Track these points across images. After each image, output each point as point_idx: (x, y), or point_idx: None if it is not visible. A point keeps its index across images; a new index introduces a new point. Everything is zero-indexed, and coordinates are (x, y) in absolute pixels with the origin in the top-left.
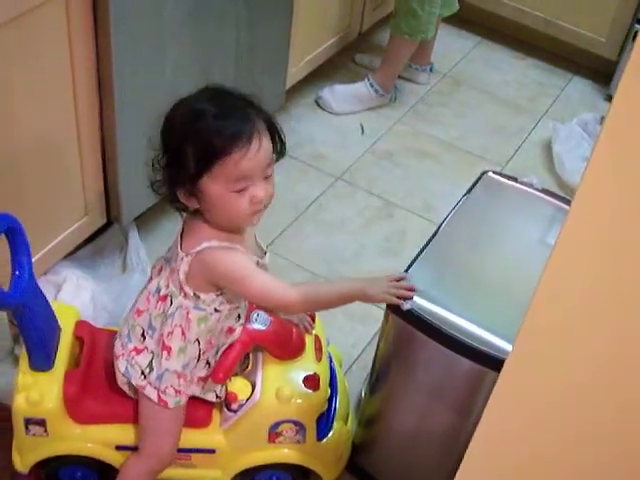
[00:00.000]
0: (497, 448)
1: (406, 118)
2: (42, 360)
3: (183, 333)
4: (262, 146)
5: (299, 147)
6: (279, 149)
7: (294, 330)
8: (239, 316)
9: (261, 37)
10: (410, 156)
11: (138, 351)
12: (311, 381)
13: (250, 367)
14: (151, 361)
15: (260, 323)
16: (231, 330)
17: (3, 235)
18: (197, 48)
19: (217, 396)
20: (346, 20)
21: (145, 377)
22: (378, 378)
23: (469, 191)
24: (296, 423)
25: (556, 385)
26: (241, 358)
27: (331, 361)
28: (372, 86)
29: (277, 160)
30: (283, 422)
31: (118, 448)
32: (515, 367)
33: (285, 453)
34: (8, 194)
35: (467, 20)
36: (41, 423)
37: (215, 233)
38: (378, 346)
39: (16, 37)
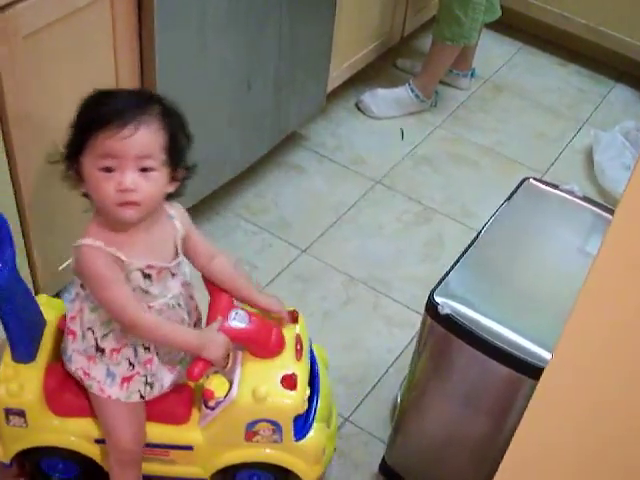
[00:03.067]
0: (534, 458)
1: (446, 123)
2: (24, 352)
3: (80, 319)
4: (138, 135)
5: (339, 151)
6: (175, 159)
7: (274, 329)
8: None
9: (303, 40)
10: (449, 161)
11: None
12: (289, 381)
13: (229, 365)
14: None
15: (239, 321)
16: None
17: None
18: (239, 50)
19: (141, 396)
20: (388, 24)
21: (65, 357)
22: (414, 382)
23: (509, 198)
24: (272, 422)
25: (596, 395)
26: None
27: (314, 362)
28: (413, 91)
29: (179, 176)
30: (259, 421)
31: (97, 441)
32: (555, 376)
33: (262, 452)
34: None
35: (509, 26)
36: (21, 414)
37: (96, 230)
38: (415, 351)
39: (63, 36)
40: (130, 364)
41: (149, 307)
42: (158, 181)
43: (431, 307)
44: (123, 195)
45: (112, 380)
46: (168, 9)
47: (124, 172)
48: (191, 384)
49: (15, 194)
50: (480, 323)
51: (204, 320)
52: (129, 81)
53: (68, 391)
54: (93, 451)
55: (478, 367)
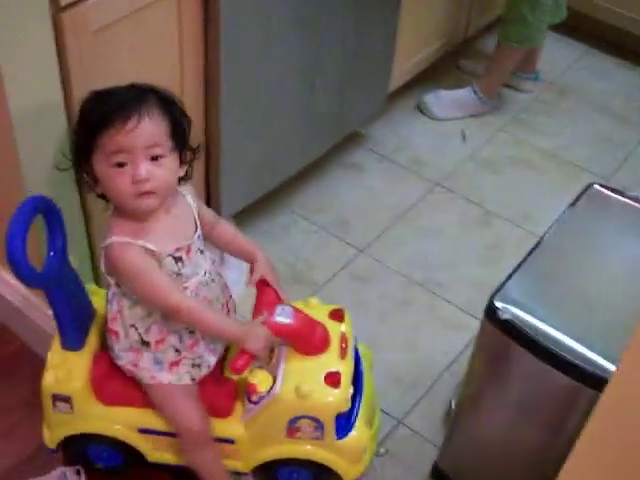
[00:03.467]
0: (595, 474)
1: (509, 126)
2: (72, 340)
3: (121, 318)
4: (142, 125)
5: (399, 151)
6: (180, 142)
7: (319, 326)
8: None
9: (367, 40)
10: (511, 165)
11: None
12: (332, 378)
13: (273, 360)
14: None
15: (284, 316)
16: None
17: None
18: (304, 49)
19: (192, 378)
20: (451, 25)
21: (112, 354)
22: (470, 386)
23: (573, 203)
24: (314, 420)
25: None
26: None
27: (359, 361)
28: (476, 93)
29: (187, 158)
30: (302, 418)
31: (141, 431)
32: (620, 386)
33: (303, 449)
34: None
35: (575, 28)
36: (67, 400)
37: (120, 226)
38: (472, 355)
39: (130, 32)
40: (176, 350)
41: (185, 288)
42: (170, 166)
43: (491, 312)
44: (139, 186)
45: (160, 367)
46: (234, 7)
47: (137, 164)
48: (235, 378)
49: (78, 184)
50: (540, 329)
51: (247, 310)
52: (193, 78)
53: (114, 380)
54: (137, 440)
55: (536, 374)
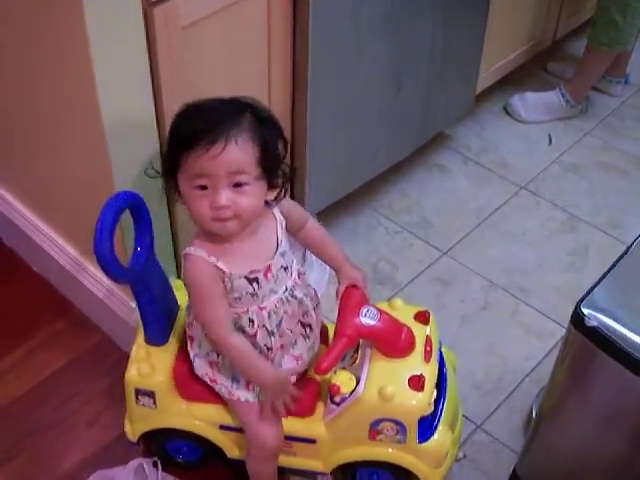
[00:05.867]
0: None
1: (596, 130)
2: (156, 335)
3: (197, 325)
4: (228, 152)
5: (484, 154)
6: (270, 168)
7: (404, 328)
8: (252, 321)
9: (455, 41)
10: (598, 170)
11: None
12: (416, 382)
13: (357, 362)
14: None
15: (369, 318)
16: (252, 336)
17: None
18: (391, 49)
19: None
20: (540, 27)
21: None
22: (553, 393)
23: None
24: (397, 422)
25: None
26: (346, 352)
27: (443, 364)
28: (563, 96)
29: (278, 183)
30: (384, 420)
31: (222, 428)
32: None
33: (385, 451)
34: None
35: None
36: (150, 395)
37: (200, 240)
38: (557, 361)
39: (219, 28)
40: None
41: (260, 309)
42: (253, 194)
43: (577, 319)
44: (218, 212)
45: (238, 383)
46: (323, 5)
47: (217, 190)
48: (318, 378)
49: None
50: (628, 338)
51: (326, 310)
52: (281, 76)
53: (196, 377)
54: (218, 437)
55: (622, 383)
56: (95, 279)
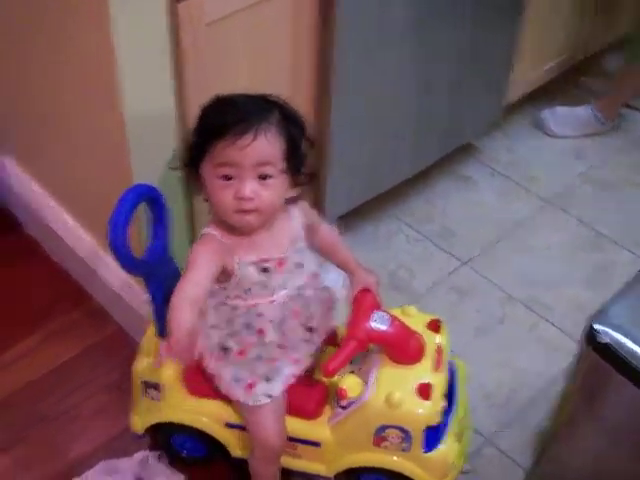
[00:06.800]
0: None
1: (627, 148)
2: (165, 328)
3: (205, 317)
4: (256, 143)
5: (512, 166)
6: (294, 165)
7: (414, 335)
8: (261, 315)
9: (484, 50)
10: (628, 188)
11: None
12: (424, 390)
13: (366, 367)
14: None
15: (380, 323)
16: (260, 331)
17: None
18: (417, 54)
19: (269, 396)
20: (573, 41)
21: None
22: (563, 411)
23: None
24: (403, 430)
25: None
26: (355, 356)
27: (453, 375)
28: (595, 112)
29: (300, 182)
30: (389, 427)
31: (228, 425)
32: None
33: (389, 459)
34: None
35: None
36: (157, 388)
37: (215, 225)
38: (568, 378)
39: (244, 26)
40: (252, 367)
41: (271, 302)
42: (277, 188)
43: (589, 334)
44: (242, 203)
45: (237, 384)
46: (350, 7)
47: (243, 181)
48: (325, 381)
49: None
50: None
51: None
52: (305, 77)
53: (204, 372)
54: (222, 434)
55: (633, 401)
56: (111, 270)
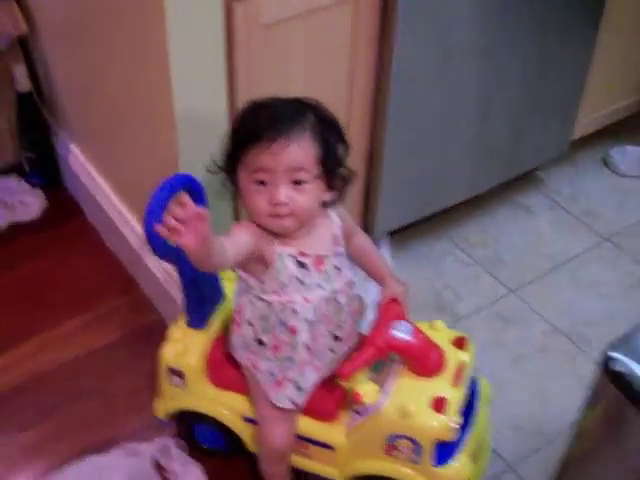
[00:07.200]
0: None
1: None
2: (194, 318)
3: (242, 312)
4: (289, 149)
5: (574, 201)
6: (330, 169)
7: (436, 349)
8: (295, 312)
9: (550, 81)
10: None
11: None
12: (439, 403)
13: (384, 373)
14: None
15: (403, 332)
16: (292, 330)
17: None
18: (479, 78)
19: (293, 403)
20: None
21: (231, 346)
22: (579, 443)
23: None
24: (413, 441)
25: None
26: (372, 362)
27: (474, 394)
28: None
29: (337, 185)
30: (401, 437)
31: (246, 419)
32: None
33: (398, 469)
34: None
35: None
36: (181, 375)
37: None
38: (585, 408)
39: (301, 31)
40: (284, 367)
41: (305, 299)
42: (311, 193)
43: (605, 361)
44: (276, 208)
45: (270, 378)
46: (411, 24)
47: (277, 186)
48: (345, 385)
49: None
50: None
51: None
52: (362, 90)
53: (229, 364)
54: (240, 428)
55: None
56: (157, 261)
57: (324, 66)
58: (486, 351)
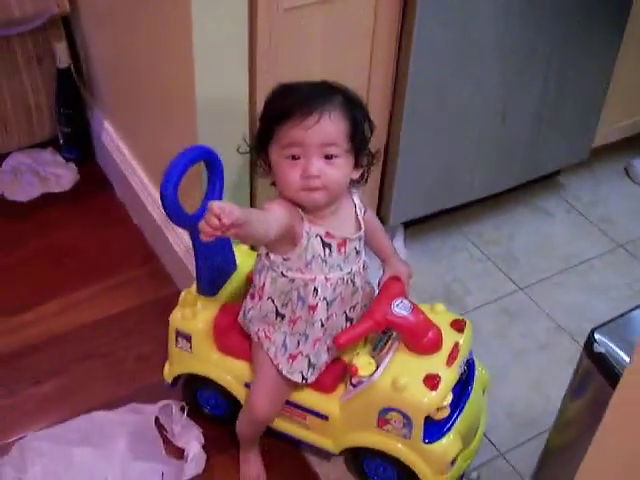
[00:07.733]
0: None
1: None
2: (206, 286)
3: (262, 289)
4: (321, 123)
5: (592, 207)
6: (358, 146)
7: (433, 327)
8: (316, 290)
9: (571, 87)
10: None
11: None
12: (431, 380)
13: (384, 350)
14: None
15: (402, 309)
16: (312, 307)
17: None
18: (499, 78)
19: (303, 377)
20: None
21: (245, 318)
22: (558, 425)
23: None
24: (404, 415)
25: None
26: (368, 334)
27: (471, 378)
28: None
29: (363, 163)
30: (392, 410)
31: (247, 386)
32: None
33: (390, 443)
34: None
35: None
36: (188, 339)
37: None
38: (567, 388)
39: (322, 17)
40: (298, 342)
41: (326, 279)
42: (342, 168)
43: (588, 343)
44: (309, 181)
45: (285, 351)
46: (432, 18)
47: (309, 159)
48: (345, 359)
49: (251, 167)
50: None
51: None
52: (381, 80)
53: (234, 332)
54: (241, 393)
55: None
56: (179, 237)
57: (343, 53)
58: (489, 343)
